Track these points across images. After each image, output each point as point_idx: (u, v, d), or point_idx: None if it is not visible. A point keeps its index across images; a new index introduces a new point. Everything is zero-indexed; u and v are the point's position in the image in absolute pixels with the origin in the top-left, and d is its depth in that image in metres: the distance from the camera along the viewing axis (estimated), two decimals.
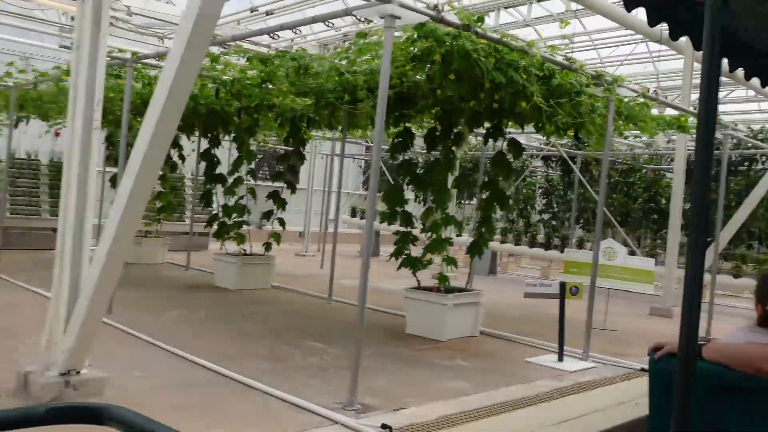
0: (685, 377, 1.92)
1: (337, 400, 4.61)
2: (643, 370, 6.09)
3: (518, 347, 7.03)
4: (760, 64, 3.85)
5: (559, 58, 5.91)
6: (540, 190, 17.52)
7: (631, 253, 11.19)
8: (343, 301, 8.77)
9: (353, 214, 17.71)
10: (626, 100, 6.70)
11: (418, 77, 6.12)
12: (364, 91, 5.63)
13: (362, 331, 4.70)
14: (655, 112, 8.45)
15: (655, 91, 7.38)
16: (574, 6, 10.16)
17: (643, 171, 14.76)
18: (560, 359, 6.31)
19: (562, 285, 6.37)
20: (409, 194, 7.68)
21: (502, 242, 14.28)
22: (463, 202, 17.61)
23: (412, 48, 5.62)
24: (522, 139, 15.82)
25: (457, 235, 13.35)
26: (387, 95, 4.22)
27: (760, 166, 12.62)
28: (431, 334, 7.00)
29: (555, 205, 16.86)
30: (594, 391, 5.39)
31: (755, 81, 4.24)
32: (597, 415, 4.51)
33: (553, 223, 16.57)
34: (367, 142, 14.54)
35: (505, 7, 10.91)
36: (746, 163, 12.97)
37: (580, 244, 13.75)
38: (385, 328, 7.53)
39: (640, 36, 11.49)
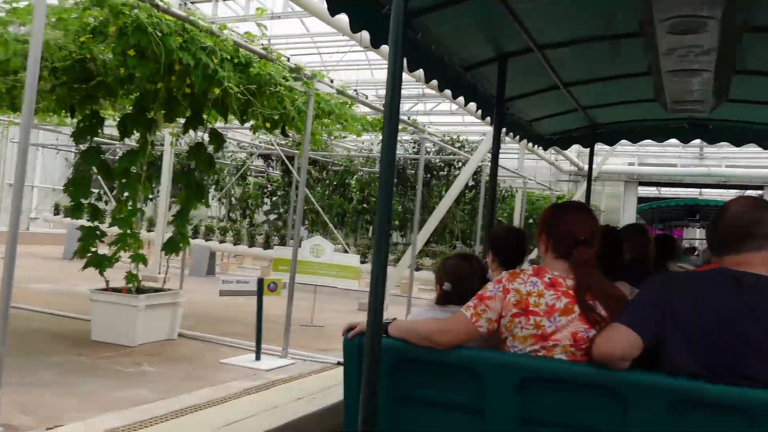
0: (372, 351, 2.15)
1: None
2: (339, 363, 6.17)
3: (217, 349, 6.70)
4: (450, 77, 4.18)
5: (259, 48, 5.74)
6: (266, 191, 17.44)
7: (344, 251, 11.57)
8: (25, 308, 7.66)
9: (57, 211, 15.82)
10: (328, 98, 6.77)
11: (110, 56, 5.50)
12: (19, 59, 4.81)
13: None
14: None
15: (355, 90, 7.60)
16: (296, 8, 10.16)
17: (359, 173, 15.44)
18: (257, 358, 6.12)
19: (260, 282, 6.20)
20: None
21: (221, 242, 13.85)
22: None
23: (91, 18, 5.00)
24: (246, 138, 15.62)
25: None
26: (38, 67, 3.60)
27: (457, 171, 13.94)
28: (120, 339, 6.36)
29: (281, 206, 16.91)
30: (283, 387, 5.27)
31: (448, 92, 4.52)
32: (272, 412, 4.38)
33: (279, 223, 16.59)
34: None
35: None
36: (447, 168, 14.25)
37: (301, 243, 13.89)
38: (69, 335, 6.70)
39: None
